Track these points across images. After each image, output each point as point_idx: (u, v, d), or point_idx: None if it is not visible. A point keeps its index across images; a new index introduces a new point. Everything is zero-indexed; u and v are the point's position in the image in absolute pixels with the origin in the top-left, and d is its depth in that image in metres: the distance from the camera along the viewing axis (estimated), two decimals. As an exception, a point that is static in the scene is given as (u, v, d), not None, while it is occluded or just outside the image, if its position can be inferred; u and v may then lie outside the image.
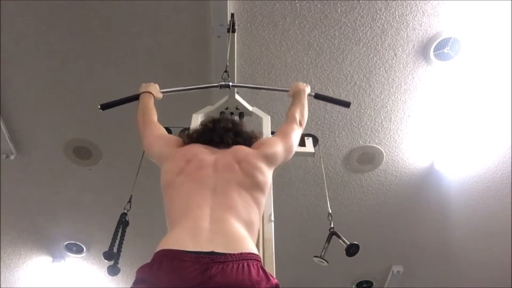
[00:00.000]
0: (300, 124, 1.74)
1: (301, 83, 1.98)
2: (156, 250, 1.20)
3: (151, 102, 1.80)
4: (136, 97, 1.86)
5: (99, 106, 1.91)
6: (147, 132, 1.64)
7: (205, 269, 1.10)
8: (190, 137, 1.57)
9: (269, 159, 1.49)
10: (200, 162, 1.42)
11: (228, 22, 2.32)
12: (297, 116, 1.75)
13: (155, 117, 1.73)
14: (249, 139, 1.57)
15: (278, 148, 1.56)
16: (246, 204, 1.33)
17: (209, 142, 1.51)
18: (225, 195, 1.33)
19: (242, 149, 1.49)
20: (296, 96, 1.89)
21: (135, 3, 2.38)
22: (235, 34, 2.35)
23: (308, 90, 1.95)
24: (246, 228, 1.27)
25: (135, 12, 2.42)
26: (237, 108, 2.19)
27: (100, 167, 3.19)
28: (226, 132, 1.53)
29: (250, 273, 1.12)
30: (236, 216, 1.28)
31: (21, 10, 2.41)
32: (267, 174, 1.46)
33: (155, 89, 1.88)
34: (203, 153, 1.46)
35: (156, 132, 1.64)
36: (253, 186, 1.39)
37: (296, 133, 1.69)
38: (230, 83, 2.00)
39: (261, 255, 1.26)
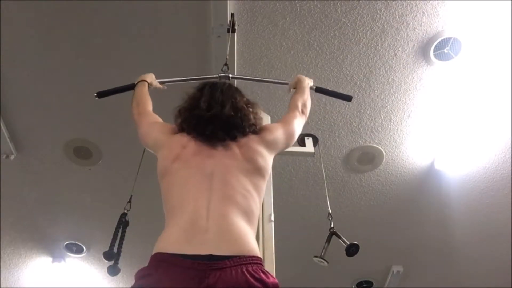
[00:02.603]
0: (302, 112, 1.71)
1: (303, 76, 1.96)
2: (153, 252, 1.19)
3: (146, 90, 1.78)
4: (132, 86, 1.85)
5: (95, 94, 1.91)
6: (142, 121, 1.62)
7: (203, 277, 1.09)
8: (181, 127, 1.49)
9: (269, 145, 1.46)
10: (197, 147, 1.39)
11: (228, 22, 2.32)
12: (299, 104, 1.73)
13: (150, 106, 1.70)
14: (247, 127, 1.47)
15: (278, 133, 1.53)
16: (245, 191, 1.30)
17: (201, 135, 1.42)
18: (223, 182, 1.29)
19: (243, 137, 1.45)
20: (298, 85, 1.87)
21: (135, 3, 2.38)
22: (235, 34, 2.36)
23: (310, 83, 1.93)
24: (245, 220, 1.24)
25: (135, 12, 2.42)
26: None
27: (100, 167, 3.19)
28: (217, 124, 1.42)
29: (249, 279, 1.11)
30: (235, 206, 1.25)
31: (21, 10, 2.41)
32: (267, 159, 1.43)
33: (151, 78, 1.87)
34: (200, 141, 1.41)
35: (151, 120, 1.62)
36: (254, 171, 1.36)
37: (298, 120, 1.65)
38: (230, 75, 1.99)
39: (261, 255, 1.24)
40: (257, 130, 1.50)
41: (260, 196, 1.36)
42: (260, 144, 1.44)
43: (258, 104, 1.62)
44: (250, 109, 1.52)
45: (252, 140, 1.44)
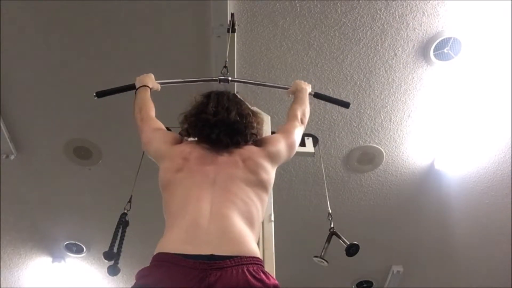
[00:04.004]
0: (302, 121, 1.73)
1: (302, 81, 1.97)
2: (155, 252, 1.20)
3: (148, 95, 1.78)
4: (132, 87, 1.84)
5: (94, 94, 1.91)
6: (145, 127, 1.62)
7: (204, 276, 1.09)
8: (187, 132, 1.54)
9: (272, 158, 1.48)
10: (200, 158, 1.40)
11: (228, 22, 2.32)
12: (299, 114, 1.74)
13: (152, 112, 1.71)
14: (249, 135, 1.51)
15: (281, 146, 1.55)
16: (247, 198, 1.31)
17: (207, 139, 1.46)
18: (226, 188, 1.31)
19: (245, 147, 1.47)
20: (297, 94, 1.88)
21: (135, 3, 2.38)
22: (235, 34, 2.35)
23: (309, 89, 1.94)
24: (247, 223, 1.25)
25: (135, 12, 2.42)
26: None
27: (100, 167, 3.19)
28: (223, 128, 1.46)
29: (249, 278, 1.11)
30: (236, 210, 1.26)
31: (21, 9, 2.41)
32: (270, 173, 1.45)
33: (151, 81, 1.86)
34: (203, 149, 1.44)
35: (154, 127, 1.62)
36: (257, 183, 1.37)
37: (298, 131, 1.67)
38: (229, 78, 1.99)
39: (261, 255, 1.25)
40: (258, 140, 1.54)
41: (263, 206, 1.38)
42: (264, 157, 1.45)
43: (261, 113, 1.66)
44: (253, 118, 1.57)
45: (255, 154, 1.45)
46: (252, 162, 1.41)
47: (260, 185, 1.38)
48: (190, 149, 1.44)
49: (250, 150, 1.46)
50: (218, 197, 1.28)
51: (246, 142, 1.49)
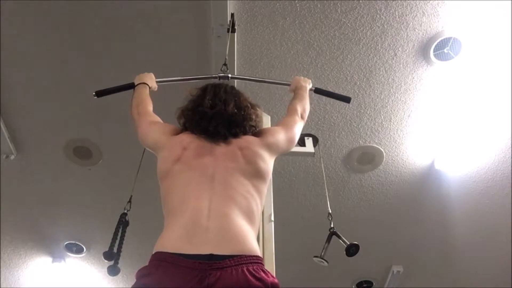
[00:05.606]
0: (302, 117, 1.73)
1: (302, 77, 1.96)
2: (154, 251, 1.19)
3: (147, 92, 1.77)
4: (131, 86, 1.84)
5: (93, 93, 1.90)
6: (141, 121, 1.61)
7: (203, 277, 1.08)
8: (185, 127, 1.52)
9: (270, 148, 1.47)
10: (198, 149, 1.39)
11: (228, 22, 2.32)
12: (299, 109, 1.74)
13: (150, 107, 1.69)
14: (248, 127, 1.50)
15: (280, 137, 1.54)
16: (246, 193, 1.30)
17: (204, 132, 1.45)
18: (224, 184, 1.30)
19: (243, 137, 1.46)
20: (297, 90, 1.88)
21: (135, 3, 2.38)
22: (235, 34, 2.35)
23: (309, 85, 1.94)
24: (246, 220, 1.24)
25: (135, 12, 2.42)
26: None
27: (100, 167, 3.19)
28: (220, 121, 1.45)
29: (249, 278, 1.11)
30: (236, 207, 1.25)
31: (21, 10, 2.41)
32: (268, 162, 1.44)
33: (151, 79, 1.85)
34: (201, 140, 1.43)
35: (151, 120, 1.61)
36: (255, 173, 1.36)
37: (297, 125, 1.67)
38: (229, 75, 1.99)
39: (261, 255, 1.24)
40: (257, 131, 1.53)
41: (261, 199, 1.37)
42: (261, 147, 1.44)
43: (259, 105, 1.64)
44: (252, 110, 1.55)
45: (253, 143, 1.44)
46: (250, 151, 1.40)
47: (258, 175, 1.37)
48: (189, 139, 1.43)
49: (248, 139, 1.45)
50: (217, 193, 1.27)
51: (244, 134, 1.47)
